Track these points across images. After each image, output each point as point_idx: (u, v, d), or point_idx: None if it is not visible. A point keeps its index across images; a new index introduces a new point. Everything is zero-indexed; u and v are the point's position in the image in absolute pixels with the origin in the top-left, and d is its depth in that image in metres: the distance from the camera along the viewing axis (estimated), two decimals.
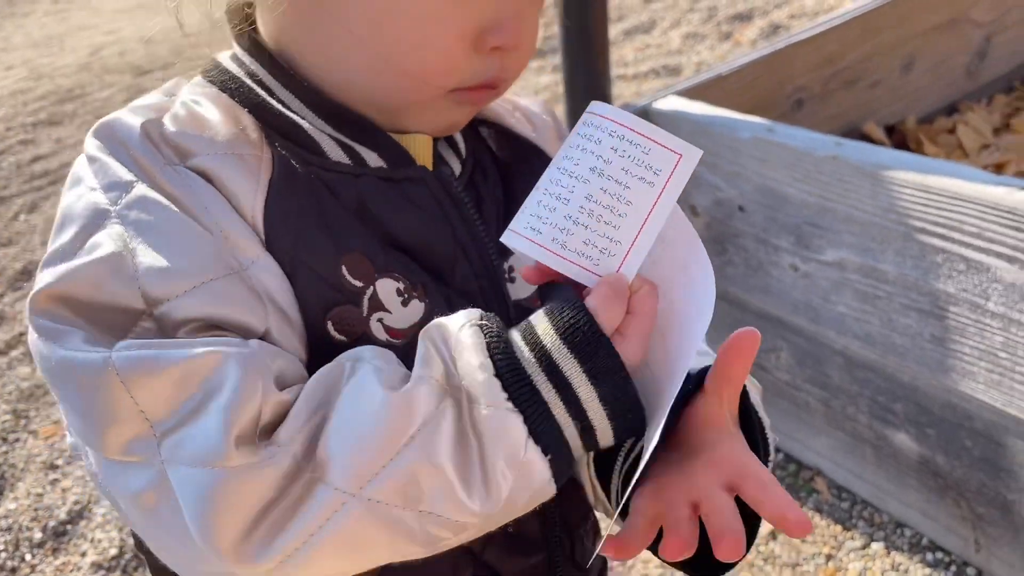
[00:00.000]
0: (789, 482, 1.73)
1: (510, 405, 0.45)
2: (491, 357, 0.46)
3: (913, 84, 2.05)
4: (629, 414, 0.48)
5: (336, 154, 0.56)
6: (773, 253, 1.48)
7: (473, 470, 0.45)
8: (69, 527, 1.79)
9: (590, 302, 0.48)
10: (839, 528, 1.56)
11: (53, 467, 1.95)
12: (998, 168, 1.94)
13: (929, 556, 1.45)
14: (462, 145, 0.65)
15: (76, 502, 1.84)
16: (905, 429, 1.40)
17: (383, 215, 0.56)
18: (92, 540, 1.74)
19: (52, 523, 1.79)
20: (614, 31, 4.00)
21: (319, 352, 0.52)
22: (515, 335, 0.48)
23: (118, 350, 0.46)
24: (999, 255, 1.13)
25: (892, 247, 1.27)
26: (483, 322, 0.48)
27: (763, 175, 1.42)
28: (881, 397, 1.41)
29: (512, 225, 0.52)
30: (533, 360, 0.46)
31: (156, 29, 4.85)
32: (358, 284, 0.54)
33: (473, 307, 0.56)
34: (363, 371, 0.47)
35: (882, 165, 1.24)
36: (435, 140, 0.62)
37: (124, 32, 5.17)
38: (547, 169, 0.53)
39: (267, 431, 0.46)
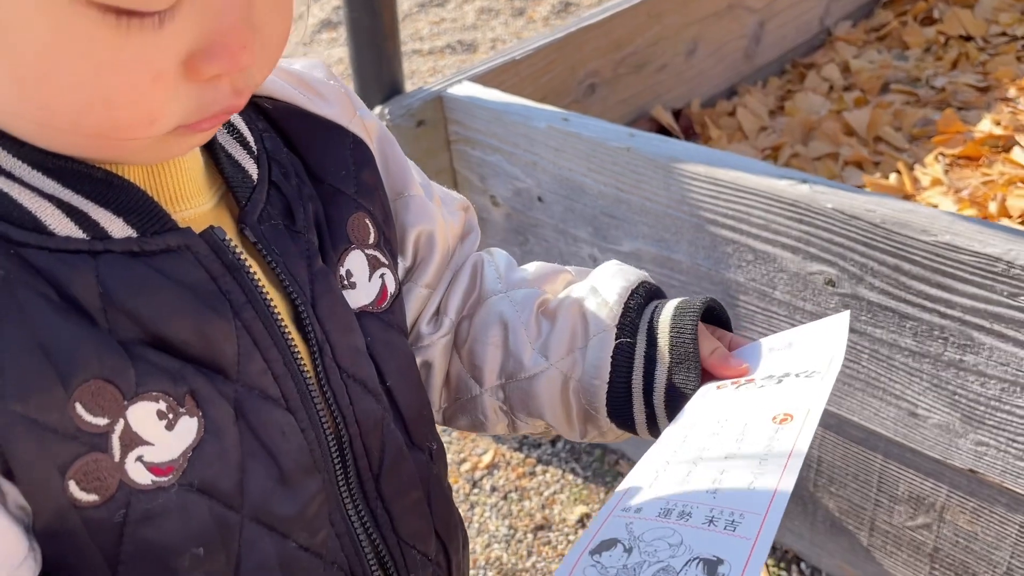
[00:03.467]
0: (596, 466, 1.75)
1: None
2: None
3: (696, 68, 2.11)
4: None
5: (64, 227, 0.42)
6: (573, 243, 1.47)
7: None
8: None
9: None
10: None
11: None
12: (775, 150, 2.04)
13: None
14: (249, 137, 0.52)
15: None
16: None
17: (134, 306, 0.42)
18: None
19: None
20: (408, 3, 3.88)
21: (64, 522, 0.40)
22: None
23: None
24: (784, 246, 1.16)
25: (685, 238, 1.28)
26: None
27: (559, 165, 1.39)
28: None
29: None
30: None
31: None
32: (101, 423, 0.40)
33: (267, 401, 0.46)
34: None
35: (674, 157, 1.24)
36: (214, 143, 0.49)
37: None
38: None
39: None
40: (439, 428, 0.65)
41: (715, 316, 0.65)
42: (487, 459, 1.82)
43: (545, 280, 0.68)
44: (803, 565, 1.49)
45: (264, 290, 0.47)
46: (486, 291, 0.67)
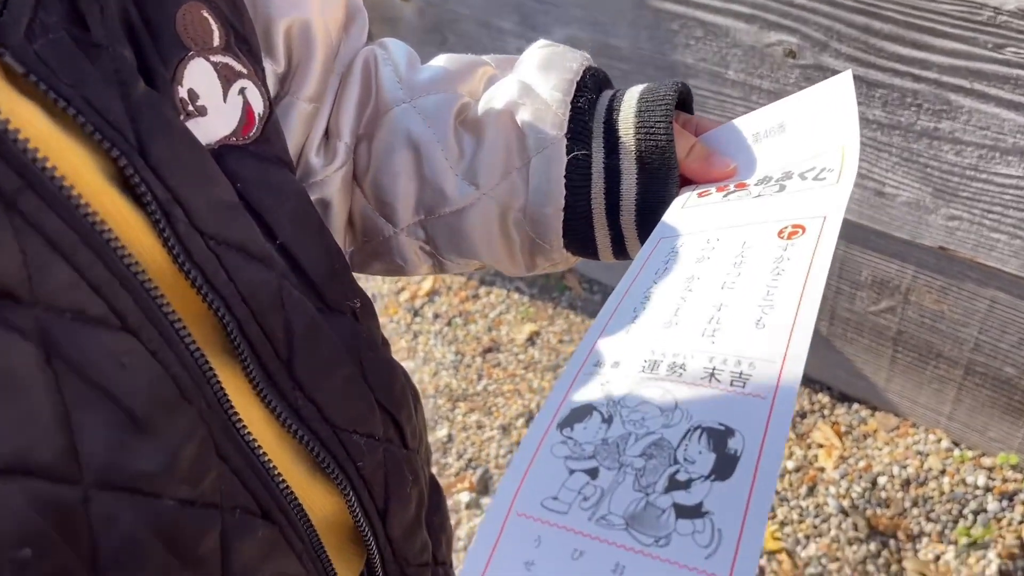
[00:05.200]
0: (541, 283, 1.67)
1: None
2: None
3: None
4: None
5: None
6: (498, 37, 1.30)
7: None
8: None
9: None
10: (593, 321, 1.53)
11: None
12: None
13: None
14: None
15: None
16: None
17: None
18: None
19: None
20: None
21: None
22: None
23: None
24: (737, 15, 1.02)
25: (624, 18, 1.13)
26: None
27: None
28: None
29: None
30: None
31: None
32: None
33: (88, 324, 0.31)
34: None
35: None
36: None
37: None
38: None
39: None
40: None
41: (679, 101, 0.51)
42: (427, 286, 1.72)
43: (459, 79, 0.53)
44: None
45: (47, 163, 0.31)
46: (385, 101, 0.52)
